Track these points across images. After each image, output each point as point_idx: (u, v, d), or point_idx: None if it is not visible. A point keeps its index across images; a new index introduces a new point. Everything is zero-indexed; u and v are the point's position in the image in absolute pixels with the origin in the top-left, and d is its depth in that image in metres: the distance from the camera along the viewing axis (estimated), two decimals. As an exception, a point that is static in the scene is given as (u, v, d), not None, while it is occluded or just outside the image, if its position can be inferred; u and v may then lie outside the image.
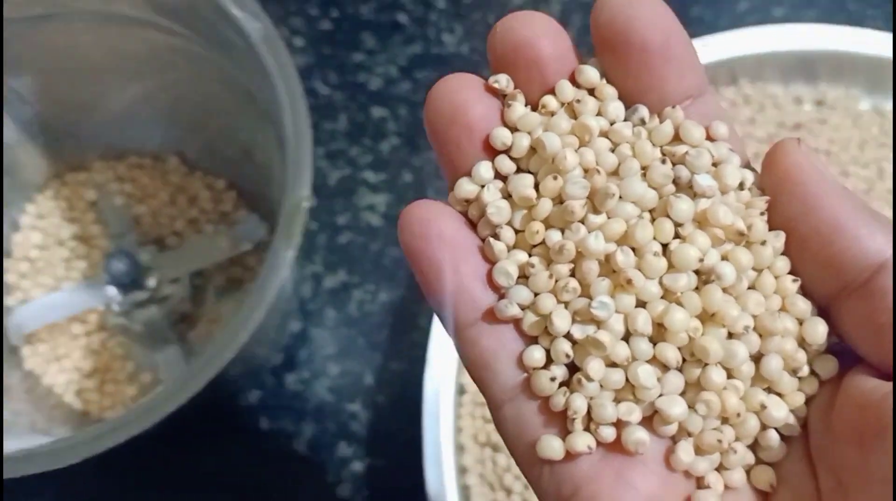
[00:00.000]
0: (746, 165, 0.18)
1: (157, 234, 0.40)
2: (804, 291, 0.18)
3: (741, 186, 0.18)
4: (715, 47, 0.43)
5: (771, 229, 0.18)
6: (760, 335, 0.17)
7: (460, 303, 0.18)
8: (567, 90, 0.18)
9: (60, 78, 0.35)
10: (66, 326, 0.38)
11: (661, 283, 0.17)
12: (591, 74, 0.18)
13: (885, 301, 0.16)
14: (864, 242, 0.17)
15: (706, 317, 0.17)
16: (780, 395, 0.18)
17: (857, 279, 0.17)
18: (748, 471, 0.18)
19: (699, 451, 0.18)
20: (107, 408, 0.38)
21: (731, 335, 0.17)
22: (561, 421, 0.18)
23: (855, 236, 0.17)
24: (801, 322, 0.18)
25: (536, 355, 0.17)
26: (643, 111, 0.18)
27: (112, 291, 0.37)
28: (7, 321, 0.38)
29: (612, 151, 0.18)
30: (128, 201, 0.40)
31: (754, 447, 0.18)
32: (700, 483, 0.18)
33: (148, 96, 0.37)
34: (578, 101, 0.18)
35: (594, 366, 0.17)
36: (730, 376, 0.17)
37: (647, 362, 0.17)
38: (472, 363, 0.18)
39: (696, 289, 0.17)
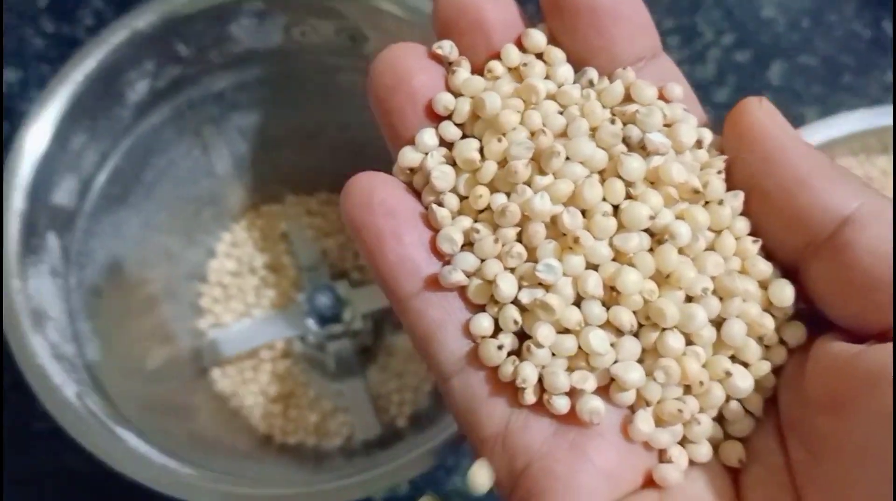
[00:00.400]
0: (705, 127, 0.18)
1: (342, 268, 0.42)
2: (769, 254, 0.17)
3: (699, 145, 0.17)
4: (867, 117, 0.44)
5: (732, 189, 0.17)
6: (721, 299, 0.16)
7: (403, 272, 0.17)
8: (513, 54, 0.17)
9: (277, 113, 0.37)
10: (254, 350, 0.40)
11: (612, 245, 0.16)
12: (537, 37, 0.17)
13: (852, 255, 0.16)
14: (828, 194, 0.16)
15: (662, 279, 0.16)
16: (745, 364, 0.17)
17: (822, 234, 0.16)
18: (716, 447, 0.17)
19: (660, 421, 0.17)
20: (289, 433, 0.39)
21: (689, 299, 0.16)
22: (511, 392, 0.17)
23: (818, 189, 0.16)
24: (765, 286, 0.17)
25: (484, 323, 0.16)
26: (592, 73, 0.17)
27: (311, 322, 0.38)
28: (202, 343, 0.39)
29: (561, 113, 0.17)
30: (316, 235, 0.41)
31: (722, 421, 0.17)
32: (662, 457, 0.17)
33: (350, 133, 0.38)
34: (525, 64, 0.17)
35: (544, 332, 0.16)
36: (690, 342, 0.16)
37: (601, 327, 0.16)
38: (417, 335, 0.17)
39: (652, 251, 0.17)
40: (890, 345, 0.15)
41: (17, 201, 0.27)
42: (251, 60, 0.33)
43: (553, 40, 0.18)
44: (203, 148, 0.36)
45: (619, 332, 0.16)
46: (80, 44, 0.49)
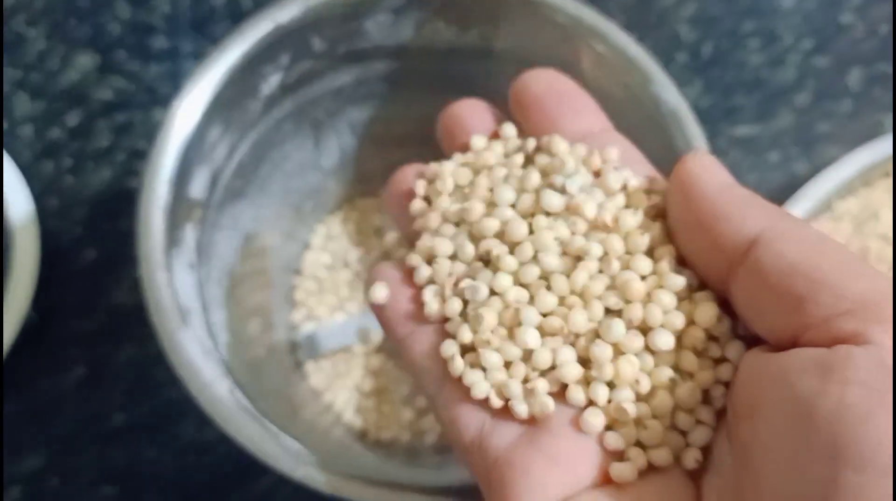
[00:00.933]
0: (652, 178, 0.22)
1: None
2: (703, 282, 0.20)
3: (625, 188, 0.21)
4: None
5: (668, 228, 0.20)
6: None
7: (396, 321, 0.22)
8: (478, 141, 0.24)
9: (390, 109, 0.37)
10: (348, 345, 0.40)
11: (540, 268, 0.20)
12: (508, 129, 0.24)
13: (759, 272, 0.18)
14: (739, 221, 0.19)
15: (588, 295, 0.20)
16: (691, 375, 0.19)
17: (737, 257, 0.18)
18: (679, 456, 0.19)
19: (613, 424, 0.19)
20: (383, 428, 0.39)
21: (610, 312, 0.20)
22: (482, 403, 0.20)
23: (731, 217, 0.19)
24: (692, 306, 0.20)
25: (449, 347, 0.20)
26: (530, 142, 0.23)
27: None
28: (297, 336, 0.39)
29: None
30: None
31: (680, 429, 0.19)
32: (621, 457, 0.19)
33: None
34: (486, 149, 0.23)
35: (487, 319, 0.19)
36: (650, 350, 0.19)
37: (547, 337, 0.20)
38: (408, 366, 0.22)
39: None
40: (795, 350, 0.17)
41: (163, 193, 0.27)
42: (376, 56, 0.33)
43: (518, 126, 0.24)
44: (315, 142, 0.36)
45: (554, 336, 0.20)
46: (155, 30, 0.49)
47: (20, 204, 0.42)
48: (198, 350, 0.25)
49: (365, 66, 0.34)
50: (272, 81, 0.31)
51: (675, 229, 0.20)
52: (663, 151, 0.28)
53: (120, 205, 0.45)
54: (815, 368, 0.16)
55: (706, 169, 0.20)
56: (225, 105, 0.29)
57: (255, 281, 0.36)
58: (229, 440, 0.42)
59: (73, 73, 0.48)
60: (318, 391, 0.39)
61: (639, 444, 0.19)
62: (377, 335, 0.40)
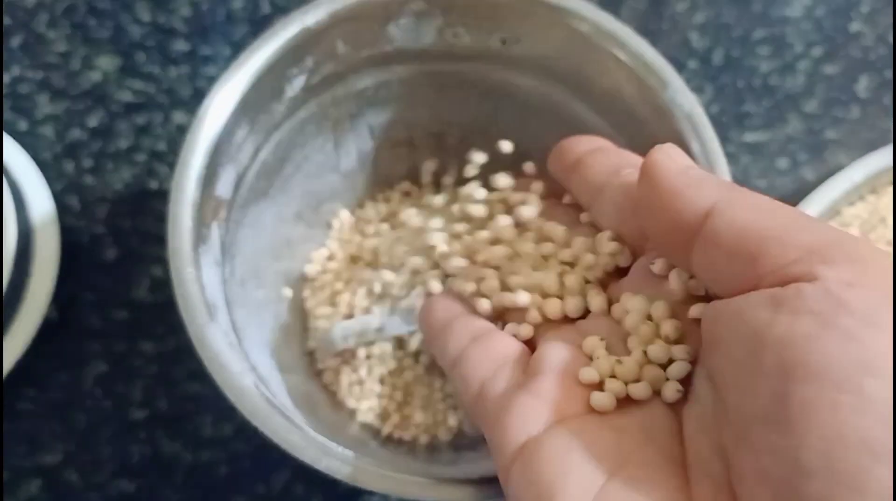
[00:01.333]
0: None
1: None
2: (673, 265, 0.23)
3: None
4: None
5: (639, 212, 0.24)
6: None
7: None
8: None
9: (409, 112, 0.37)
10: (366, 346, 0.41)
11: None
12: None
13: (713, 239, 0.20)
14: (692, 195, 0.21)
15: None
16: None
17: (694, 227, 0.21)
18: (659, 389, 0.22)
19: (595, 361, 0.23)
20: (402, 428, 0.40)
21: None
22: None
23: (684, 193, 0.21)
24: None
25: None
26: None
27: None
28: (321, 337, 0.40)
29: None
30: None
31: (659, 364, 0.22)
32: (599, 387, 0.22)
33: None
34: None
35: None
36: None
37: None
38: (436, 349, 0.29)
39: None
40: (751, 292, 0.19)
41: (191, 191, 0.28)
42: (398, 59, 0.34)
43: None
44: (334, 144, 0.37)
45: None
46: (176, 33, 0.50)
47: (41, 203, 0.42)
48: (224, 345, 0.26)
49: (386, 69, 0.34)
50: (296, 84, 0.32)
51: (643, 213, 0.23)
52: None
53: (139, 204, 0.46)
54: (767, 303, 0.18)
55: (668, 156, 0.22)
56: (251, 106, 0.30)
57: (275, 279, 0.37)
58: (246, 435, 0.42)
59: (94, 74, 0.49)
60: (334, 390, 0.40)
61: (616, 377, 0.22)
62: (395, 334, 0.41)
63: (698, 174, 0.22)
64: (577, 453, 0.20)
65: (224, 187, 0.30)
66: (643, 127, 0.31)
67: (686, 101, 0.29)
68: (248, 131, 0.31)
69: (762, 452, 0.17)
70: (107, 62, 0.49)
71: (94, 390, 0.43)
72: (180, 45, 0.50)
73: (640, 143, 0.33)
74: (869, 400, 0.16)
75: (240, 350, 0.28)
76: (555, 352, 0.23)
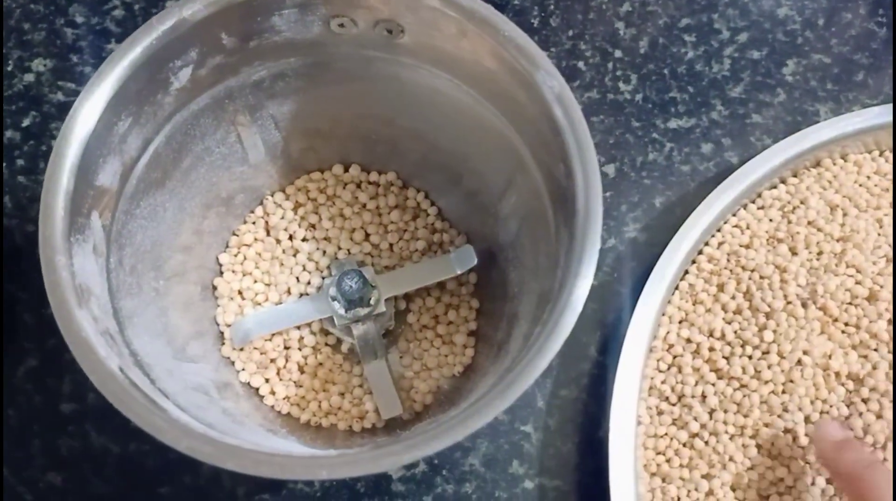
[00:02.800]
0: None
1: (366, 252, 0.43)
2: None
3: None
4: (879, 114, 0.45)
5: None
6: None
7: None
8: None
9: (310, 102, 0.38)
10: (281, 335, 0.41)
11: None
12: None
13: None
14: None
15: None
16: None
17: None
18: None
19: None
20: (317, 415, 0.40)
21: None
22: None
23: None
24: None
25: None
26: None
27: (337, 306, 0.39)
28: (235, 326, 0.40)
29: None
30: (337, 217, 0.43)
31: None
32: None
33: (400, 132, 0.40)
34: None
35: None
36: None
37: None
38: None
39: None
40: None
41: (64, 181, 0.28)
42: (289, 51, 0.34)
43: None
44: (237, 136, 0.37)
45: None
46: (110, 34, 0.50)
47: (-30, 202, 0.43)
48: (92, 330, 0.27)
49: (278, 61, 0.35)
50: (182, 76, 0.32)
51: None
52: (547, 125, 0.30)
53: (69, 202, 0.47)
54: None
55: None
56: (132, 98, 0.31)
57: (181, 269, 0.38)
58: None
59: (28, 76, 0.49)
60: (252, 379, 0.40)
61: None
62: (308, 324, 0.41)
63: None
64: None
65: (107, 178, 0.31)
66: (522, 110, 0.32)
67: (556, 82, 0.30)
68: (132, 123, 0.31)
69: None
70: (40, 64, 0.50)
71: (25, 385, 0.43)
72: (113, 47, 0.50)
73: (521, 123, 0.33)
74: None
75: (118, 337, 0.29)
76: None
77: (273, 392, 0.40)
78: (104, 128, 0.30)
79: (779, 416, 0.39)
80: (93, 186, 0.30)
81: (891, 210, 0.44)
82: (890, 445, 0.38)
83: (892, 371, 0.39)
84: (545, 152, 0.31)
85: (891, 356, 0.40)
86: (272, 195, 0.42)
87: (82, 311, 0.27)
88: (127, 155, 0.32)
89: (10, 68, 0.49)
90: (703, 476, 0.39)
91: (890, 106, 0.46)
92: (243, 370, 0.40)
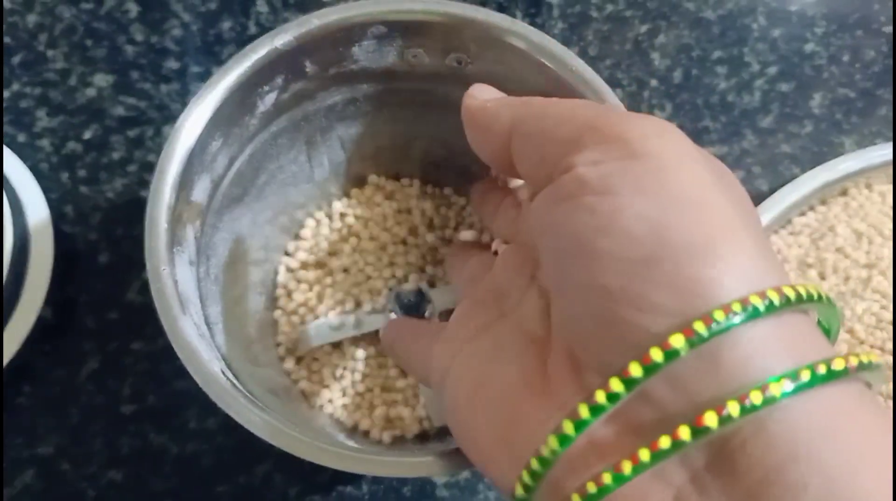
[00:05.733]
0: None
1: (421, 266, 0.45)
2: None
3: None
4: None
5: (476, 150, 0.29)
6: None
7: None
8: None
9: (377, 126, 0.40)
10: (339, 345, 0.43)
11: None
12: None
13: (516, 154, 0.25)
14: (493, 124, 0.27)
15: None
16: None
17: (504, 142, 0.26)
18: None
19: None
20: (372, 424, 0.42)
21: None
22: None
23: (489, 126, 0.27)
24: None
25: None
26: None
27: (394, 317, 0.42)
28: (295, 335, 0.43)
29: None
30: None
31: None
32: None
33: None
34: None
35: None
36: None
37: None
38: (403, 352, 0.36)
39: None
40: (539, 194, 0.24)
41: (167, 195, 0.30)
42: (364, 78, 0.37)
43: None
44: (308, 156, 0.40)
45: None
46: (168, 53, 0.53)
47: (37, 210, 0.45)
48: (195, 335, 0.29)
49: (353, 87, 0.37)
50: (268, 100, 0.35)
51: (477, 149, 0.28)
52: None
53: (132, 213, 0.49)
54: (547, 198, 0.23)
55: (471, 97, 0.28)
56: (225, 120, 0.33)
57: (252, 279, 0.40)
58: (228, 429, 0.45)
59: (90, 90, 0.52)
60: (305, 387, 0.42)
61: None
62: (369, 331, 0.43)
63: (494, 104, 0.27)
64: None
65: (199, 194, 0.33)
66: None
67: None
68: (222, 143, 0.33)
69: (570, 302, 0.23)
70: (102, 79, 0.52)
71: (87, 385, 0.45)
72: (171, 64, 0.53)
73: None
74: (603, 255, 0.21)
75: (210, 342, 0.31)
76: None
77: (330, 400, 0.42)
78: (200, 147, 0.32)
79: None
80: (188, 201, 0.32)
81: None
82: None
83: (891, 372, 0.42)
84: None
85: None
86: (332, 208, 0.44)
87: (185, 317, 0.29)
88: (216, 173, 0.34)
89: (73, 83, 0.52)
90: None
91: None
92: (304, 379, 0.42)
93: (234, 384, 0.29)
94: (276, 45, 0.33)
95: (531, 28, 0.33)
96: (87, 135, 0.51)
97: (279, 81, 0.34)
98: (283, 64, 0.34)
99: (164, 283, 0.29)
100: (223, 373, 0.29)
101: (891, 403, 0.41)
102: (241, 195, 0.37)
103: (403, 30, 0.34)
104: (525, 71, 0.34)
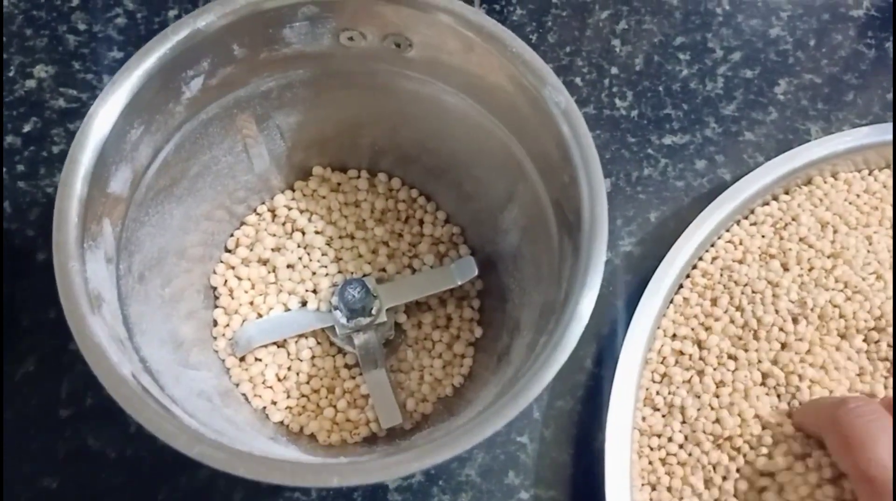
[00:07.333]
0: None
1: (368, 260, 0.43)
2: None
3: None
4: (869, 133, 0.46)
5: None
6: None
7: None
8: None
9: (317, 112, 0.38)
10: (282, 344, 0.42)
11: None
12: None
13: None
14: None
15: None
16: None
17: None
18: None
19: None
20: (323, 425, 0.41)
21: None
22: None
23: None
24: None
25: None
26: None
27: (339, 315, 0.40)
28: (236, 335, 0.41)
29: None
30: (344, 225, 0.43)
31: None
32: None
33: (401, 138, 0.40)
34: None
35: None
36: None
37: None
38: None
39: None
40: None
41: (78, 187, 0.28)
42: (298, 62, 0.35)
43: None
44: (244, 145, 0.38)
45: None
46: (112, 42, 0.51)
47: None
48: (105, 336, 0.27)
49: (287, 72, 0.36)
50: (194, 85, 0.33)
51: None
52: (552, 140, 0.31)
53: (70, 208, 0.47)
54: None
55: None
56: (145, 107, 0.31)
57: (186, 277, 0.38)
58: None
59: (29, 82, 0.50)
60: (246, 390, 0.41)
61: None
62: (310, 334, 0.42)
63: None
64: None
65: (118, 185, 0.31)
66: (527, 123, 0.33)
67: (562, 98, 0.31)
68: (144, 131, 0.32)
69: None
70: (42, 70, 0.50)
71: (23, 388, 0.43)
72: (115, 54, 0.51)
73: (525, 137, 0.34)
74: None
75: (128, 343, 0.29)
76: None
77: (274, 402, 0.40)
78: (117, 135, 0.30)
79: (763, 427, 0.40)
80: (105, 194, 0.30)
81: (880, 228, 0.45)
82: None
83: (892, 379, 0.40)
84: (549, 166, 0.32)
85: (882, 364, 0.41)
86: (274, 202, 0.42)
87: (95, 317, 0.27)
88: (138, 163, 0.32)
89: (11, 74, 0.50)
90: (690, 485, 0.40)
91: (880, 126, 0.47)
92: (247, 379, 0.40)
93: (145, 389, 0.27)
94: (199, 26, 0.31)
95: (475, 10, 0.31)
96: (25, 128, 0.49)
97: (205, 65, 0.32)
98: (208, 47, 0.32)
99: (72, 280, 0.27)
100: (135, 377, 0.27)
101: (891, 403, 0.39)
102: (170, 187, 0.35)
103: (335, 9, 0.32)
104: (466, 57, 0.32)
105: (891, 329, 0.41)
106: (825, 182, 0.47)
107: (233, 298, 0.41)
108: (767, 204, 0.47)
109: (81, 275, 0.28)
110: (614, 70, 0.52)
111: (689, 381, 0.42)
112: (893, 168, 0.47)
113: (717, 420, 0.40)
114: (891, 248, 0.44)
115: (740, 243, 0.45)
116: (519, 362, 0.31)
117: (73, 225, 0.28)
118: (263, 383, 0.41)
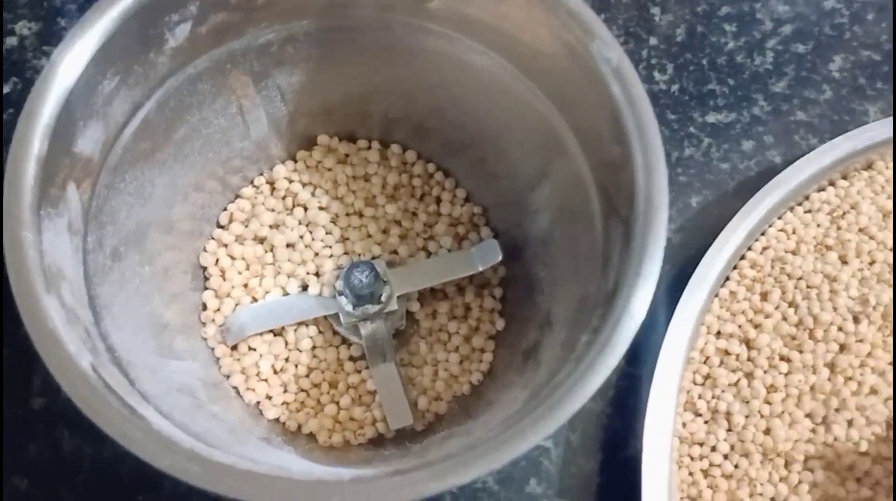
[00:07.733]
0: None
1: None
2: None
3: None
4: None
5: None
6: None
7: None
8: None
9: (324, 72, 0.34)
10: (280, 332, 0.37)
11: None
12: None
13: None
14: None
15: None
16: None
17: None
18: None
19: None
20: (324, 424, 0.36)
21: None
22: None
23: None
24: None
25: None
26: None
27: (345, 301, 0.35)
28: (228, 321, 0.36)
29: None
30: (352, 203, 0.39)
31: None
32: None
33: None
34: None
35: None
36: None
37: None
38: None
39: None
40: None
41: (36, 143, 0.24)
42: (302, 12, 0.31)
43: None
44: (239, 107, 0.33)
45: None
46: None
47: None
48: (61, 319, 0.23)
49: (290, 22, 0.31)
50: (179, 33, 0.28)
51: None
52: (600, 104, 0.27)
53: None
54: None
55: None
56: (120, 54, 0.27)
57: (171, 255, 0.34)
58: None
59: (10, 40, 0.46)
60: (238, 382, 0.36)
61: None
62: (312, 318, 0.37)
63: None
64: None
65: (86, 145, 0.27)
66: (570, 85, 0.28)
67: (614, 54, 0.26)
68: (119, 83, 0.27)
69: None
70: (24, 27, 0.46)
71: (-7, 380, 0.40)
72: (104, 11, 0.46)
73: (566, 102, 0.29)
74: None
75: (93, 329, 0.25)
76: None
77: (269, 397, 0.36)
78: (86, 86, 0.26)
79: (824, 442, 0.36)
80: (70, 153, 0.26)
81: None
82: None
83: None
84: (595, 136, 0.28)
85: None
86: (274, 173, 0.38)
87: (50, 297, 0.23)
88: (112, 120, 0.28)
89: (-8, 32, 0.46)
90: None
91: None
92: (238, 371, 0.36)
93: (107, 385, 0.22)
94: (183, -41, 0.26)
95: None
96: (5, 89, 0.45)
97: (192, 8, 0.28)
98: (195, -14, 0.27)
99: (23, 253, 0.23)
100: (95, 370, 0.22)
101: (891, 403, 0.35)
102: (152, 151, 0.30)
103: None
104: (499, 5, 0.28)
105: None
106: (887, 168, 0.42)
107: (225, 279, 0.37)
108: (823, 190, 0.42)
109: (36, 247, 0.23)
110: (653, 41, 0.47)
111: (735, 384, 0.37)
112: (894, 168, 0.42)
113: (768, 430, 0.36)
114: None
115: (793, 233, 0.41)
116: (553, 362, 0.27)
117: (28, 188, 0.24)
118: (257, 375, 0.36)
